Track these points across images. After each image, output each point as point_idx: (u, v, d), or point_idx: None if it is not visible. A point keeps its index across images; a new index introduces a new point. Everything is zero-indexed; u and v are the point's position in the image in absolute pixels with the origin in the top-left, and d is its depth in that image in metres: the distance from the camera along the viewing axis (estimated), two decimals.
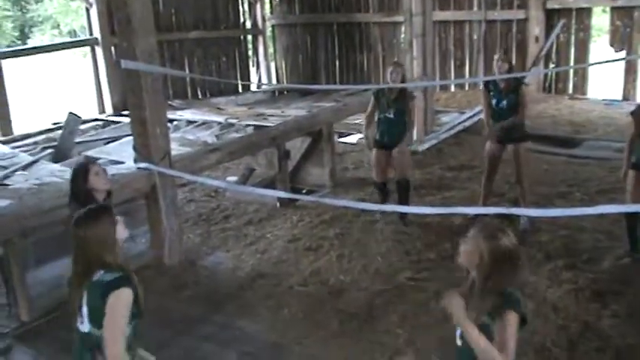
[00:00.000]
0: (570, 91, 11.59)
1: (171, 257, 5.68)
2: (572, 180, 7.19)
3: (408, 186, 6.37)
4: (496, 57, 6.16)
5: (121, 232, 2.84)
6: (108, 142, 7.35)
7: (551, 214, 5.29)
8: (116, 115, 9.40)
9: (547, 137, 8.65)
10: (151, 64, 5.24)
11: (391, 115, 6.27)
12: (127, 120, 7.08)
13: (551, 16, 11.44)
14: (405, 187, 6.33)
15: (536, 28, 11.48)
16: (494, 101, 6.06)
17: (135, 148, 5.56)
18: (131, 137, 5.74)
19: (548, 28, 11.41)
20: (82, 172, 3.98)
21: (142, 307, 2.80)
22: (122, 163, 6.17)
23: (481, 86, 11.54)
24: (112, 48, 10.67)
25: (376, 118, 6.40)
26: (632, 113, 5.21)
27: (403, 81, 6.36)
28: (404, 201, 6.29)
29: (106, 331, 2.65)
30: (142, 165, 5.45)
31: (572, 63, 11.47)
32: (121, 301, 2.67)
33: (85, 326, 2.76)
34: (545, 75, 11.70)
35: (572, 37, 11.44)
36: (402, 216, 6.21)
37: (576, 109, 10.46)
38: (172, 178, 5.68)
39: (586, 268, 5.07)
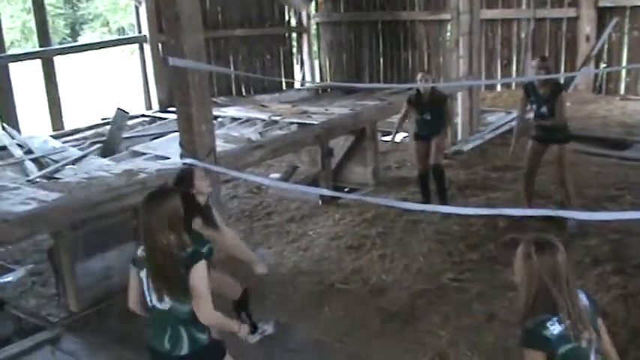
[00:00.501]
0: (622, 91, 11.26)
1: (218, 251, 5.73)
2: (623, 183, 7.00)
3: (441, 172, 6.65)
4: (533, 63, 6.03)
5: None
6: (154, 138, 7.48)
7: (598, 217, 5.09)
8: (162, 112, 9.57)
9: (597, 139, 8.44)
10: (198, 61, 5.31)
11: (428, 117, 6.55)
12: (173, 116, 7.19)
13: (603, 15, 11.12)
14: (437, 174, 6.62)
15: (587, 27, 11.19)
16: (534, 107, 5.96)
17: (181, 144, 5.64)
18: (177, 133, 5.83)
19: (600, 26, 11.11)
20: (187, 176, 4.10)
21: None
22: (168, 158, 6.28)
23: None
24: (160, 45, 10.85)
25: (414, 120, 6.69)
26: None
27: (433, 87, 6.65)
28: (441, 187, 6.63)
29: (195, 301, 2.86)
30: (188, 161, 5.52)
31: (624, 63, 11.15)
32: (201, 274, 2.86)
33: (164, 304, 2.90)
34: (596, 75, 11.40)
35: (625, 37, 11.12)
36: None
37: (628, 111, 10.16)
38: (217, 175, 5.74)
39: (636, 273, 4.93)
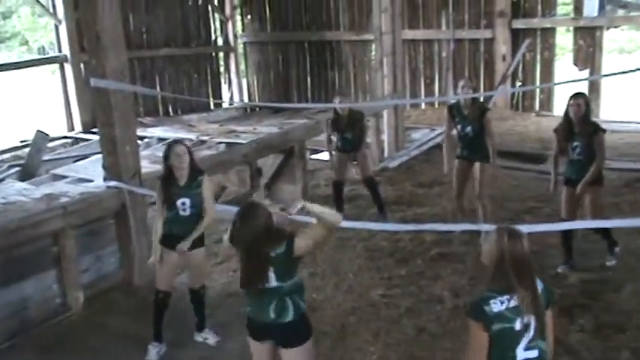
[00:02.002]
0: (537, 108, 11.83)
1: (141, 278, 5.61)
2: (541, 196, 7.29)
3: (374, 183, 7.01)
4: (461, 83, 6.20)
5: (278, 216, 3.35)
6: (77, 160, 7.27)
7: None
8: (85, 133, 9.32)
9: (515, 153, 8.79)
10: (121, 82, 5.22)
11: (349, 136, 6.82)
12: (96, 137, 7.02)
13: (516, 36, 11.69)
14: (371, 186, 6.97)
15: (502, 47, 11.72)
16: (459, 127, 6.08)
17: (104, 167, 5.51)
18: (100, 155, 5.69)
19: (515, 47, 11.66)
20: (167, 150, 4.56)
21: None
22: (91, 181, 6.12)
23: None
24: (82, 65, 10.57)
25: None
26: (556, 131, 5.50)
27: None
28: (377, 198, 6.95)
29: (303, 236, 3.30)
30: (112, 183, 5.40)
31: (538, 81, 11.72)
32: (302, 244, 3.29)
33: (272, 283, 3.28)
34: (513, 93, 11.93)
35: (538, 56, 11.71)
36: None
37: (543, 126, 10.65)
38: (142, 197, 5.63)
39: (554, 284, 5.14)
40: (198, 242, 4.65)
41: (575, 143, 5.26)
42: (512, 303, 2.61)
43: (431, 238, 6.14)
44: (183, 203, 4.52)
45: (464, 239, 6.03)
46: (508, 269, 2.62)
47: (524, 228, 4.86)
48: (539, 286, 2.70)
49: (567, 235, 5.41)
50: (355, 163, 7.17)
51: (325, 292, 5.34)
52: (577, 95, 5.27)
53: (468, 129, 6.00)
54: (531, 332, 2.62)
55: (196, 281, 4.83)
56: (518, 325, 2.60)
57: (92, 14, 5.08)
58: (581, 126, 5.23)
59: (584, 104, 5.21)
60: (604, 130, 5.30)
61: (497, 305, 2.60)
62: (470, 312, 2.68)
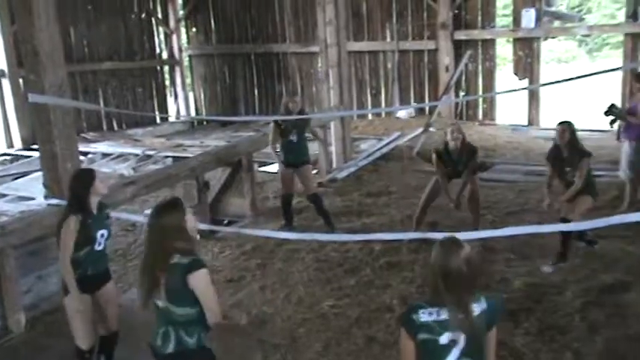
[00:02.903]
0: (480, 117, 12.14)
1: None
2: (484, 203, 7.44)
3: (319, 199, 6.94)
4: (449, 129, 6.30)
5: (191, 222, 3.17)
6: (16, 178, 7.06)
7: (465, 237, 5.45)
8: (25, 150, 9.05)
9: None
10: (61, 97, 5.09)
11: (294, 139, 6.74)
12: (36, 154, 6.82)
13: (459, 47, 11.99)
14: (315, 202, 6.90)
15: (446, 58, 12.00)
16: (449, 168, 6.26)
17: (45, 185, 5.36)
18: (41, 172, 5.53)
19: (458, 58, 11.95)
20: (89, 175, 4.22)
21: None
22: (32, 199, 5.94)
23: (401, 115, 11.97)
24: (20, 80, 10.29)
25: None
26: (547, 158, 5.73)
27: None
28: (322, 212, 6.85)
29: (205, 307, 3.03)
30: (53, 201, 5.26)
31: (480, 91, 12.04)
32: (204, 280, 3.05)
33: (162, 302, 3.06)
34: (457, 102, 12.21)
35: (480, 67, 12.03)
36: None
37: (485, 135, 10.93)
38: None
39: (499, 288, 5.26)
40: (107, 275, 4.33)
41: (567, 168, 5.54)
42: (442, 316, 2.56)
43: (380, 247, 6.19)
44: (102, 235, 4.13)
45: (412, 248, 6.11)
46: (438, 282, 2.58)
47: (469, 235, 5.00)
48: (483, 304, 2.63)
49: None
50: (298, 179, 7.00)
51: (275, 304, 5.31)
52: (561, 123, 5.59)
53: (459, 168, 6.23)
54: (459, 350, 2.56)
55: (113, 325, 4.37)
56: (444, 340, 2.55)
57: (29, 28, 4.95)
58: (570, 151, 5.50)
59: (568, 131, 5.49)
60: (590, 155, 5.53)
61: (425, 315, 2.56)
62: (400, 319, 2.72)
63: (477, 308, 2.60)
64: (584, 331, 4.52)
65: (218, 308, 3.09)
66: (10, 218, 5.35)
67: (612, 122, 6.61)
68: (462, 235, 4.97)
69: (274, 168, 9.55)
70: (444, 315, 2.55)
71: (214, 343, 3.29)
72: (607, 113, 6.54)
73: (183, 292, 3.01)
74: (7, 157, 8.55)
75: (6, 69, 10.34)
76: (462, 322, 2.54)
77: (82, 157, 6.38)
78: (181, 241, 3.07)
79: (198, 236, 3.30)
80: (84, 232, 4.04)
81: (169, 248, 3.04)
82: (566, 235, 5.48)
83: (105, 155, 8.09)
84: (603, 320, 4.63)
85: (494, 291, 5.18)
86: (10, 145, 10.24)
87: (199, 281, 3.02)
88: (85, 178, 4.17)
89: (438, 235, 5.29)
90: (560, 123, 5.61)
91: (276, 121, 6.81)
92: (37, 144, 5.73)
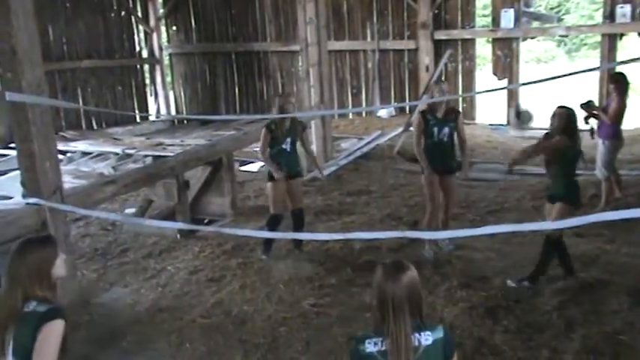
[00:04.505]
0: None
1: (64, 297, 5.40)
2: (464, 202, 7.53)
3: (303, 215, 6.35)
4: (436, 87, 6.06)
5: (60, 268, 2.76)
6: None
7: (444, 235, 5.50)
8: (3, 148, 8.93)
9: None
10: (38, 95, 5.03)
11: (287, 147, 6.06)
12: (14, 153, 6.74)
13: (439, 47, 12.06)
14: (300, 217, 6.29)
15: (426, 58, 12.07)
16: (435, 129, 5.89)
17: (22, 183, 5.29)
18: (19, 171, 5.47)
19: (438, 57, 12.02)
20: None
21: (67, 345, 2.70)
22: (10, 198, 5.87)
23: (382, 115, 11.94)
24: None
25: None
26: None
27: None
28: (300, 229, 6.22)
29: None
30: (31, 200, 5.19)
31: (460, 90, 12.12)
32: (54, 332, 2.59)
33: (9, 357, 2.61)
34: None
35: (460, 66, 12.12)
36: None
37: (466, 135, 10.98)
38: (65, 213, 5.45)
39: (479, 287, 5.31)
40: None
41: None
42: (384, 346, 2.41)
43: (360, 246, 6.22)
44: None
45: (392, 246, 6.14)
46: (376, 310, 2.44)
47: (447, 234, 5.03)
48: (438, 332, 2.48)
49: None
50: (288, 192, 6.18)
51: (256, 303, 5.31)
52: (559, 107, 5.22)
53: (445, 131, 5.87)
54: None
55: None
56: None
57: (6, 27, 4.88)
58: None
59: (557, 117, 5.12)
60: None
61: (370, 346, 2.43)
62: (349, 350, 2.53)
63: (429, 337, 2.45)
64: (561, 329, 4.59)
65: None
66: None
67: (587, 119, 6.67)
68: (442, 234, 5.05)
69: (255, 167, 9.55)
70: (385, 344, 2.41)
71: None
72: (583, 106, 6.61)
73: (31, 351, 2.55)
74: None
75: None
76: (403, 353, 2.38)
77: (60, 156, 6.31)
78: (44, 288, 2.65)
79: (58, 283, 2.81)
80: None
81: (29, 293, 2.62)
82: (545, 257, 5.28)
83: (84, 154, 8.02)
84: (580, 318, 4.70)
85: (475, 289, 5.24)
86: None
87: (50, 333, 2.56)
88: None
89: (420, 234, 5.36)
90: (559, 107, 5.22)
91: (268, 127, 6.02)
92: (14, 142, 5.65)
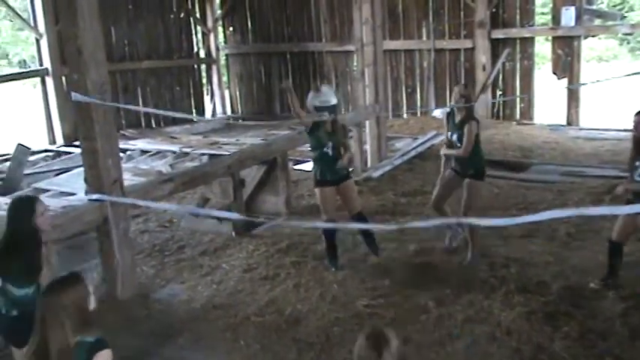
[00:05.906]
0: (517, 116, 11.96)
1: (124, 291, 5.57)
2: (522, 203, 7.38)
3: (364, 218, 6.10)
4: (456, 89, 5.98)
5: (93, 303, 2.85)
6: (59, 174, 7.20)
7: (498, 223, 5.21)
8: (68, 146, 9.24)
9: (497, 162, 8.87)
10: (102, 95, 5.19)
11: (329, 152, 5.81)
12: (78, 151, 6.96)
13: (496, 46, 11.82)
14: (361, 221, 6.00)
15: (482, 57, 11.85)
16: (449, 133, 5.94)
17: (86, 180, 5.47)
18: (82, 168, 5.65)
19: (495, 57, 11.79)
20: (27, 207, 3.84)
21: None
22: (73, 194, 6.06)
23: (437, 114, 11.82)
24: (63, 78, 10.52)
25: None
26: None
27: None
28: (368, 233, 6.00)
29: None
30: (94, 196, 5.36)
31: (518, 90, 11.85)
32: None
33: None
34: (493, 102, 12.06)
35: (517, 65, 11.85)
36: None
37: (524, 135, 10.78)
38: (125, 210, 5.60)
39: (537, 291, 5.18)
40: None
41: (637, 163, 4.90)
42: None
43: (414, 247, 6.18)
44: None
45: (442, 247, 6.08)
46: None
47: (501, 222, 4.90)
48: None
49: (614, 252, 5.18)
50: (338, 198, 5.96)
51: (310, 302, 5.33)
52: (637, 113, 4.93)
53: (454, 137, 5.83)
54: None
55: None
56: None
57: (73, 28, 5.06)
58: None
59: None
60: None
61: None
62: None
63: None
64: (625, 337, 4.43)
65: None
66: (53, 213, 5.46)
67: None
68: (495, 222, 4.84)
69: (308, 166, 9.56)
70: None
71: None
72: None
73: None
74: (50, 154, 8.72)
75: (50, 68, 10.59)
76: None
77: (121, 154, 6.48)
78: (86, 323, 2.75)
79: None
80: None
81: (74, 330, 2.71)
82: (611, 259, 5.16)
83: (143, 152, 8.19)
84: None
85: (533, 294, 5.11)
86: (53, 142, 10.48)
87: None
88: (25, 208, 3.81)
89: (471, 221, 5.16)
90: (637, 113, 4.92)
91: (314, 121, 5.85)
92: (78, 140, 5.84)
